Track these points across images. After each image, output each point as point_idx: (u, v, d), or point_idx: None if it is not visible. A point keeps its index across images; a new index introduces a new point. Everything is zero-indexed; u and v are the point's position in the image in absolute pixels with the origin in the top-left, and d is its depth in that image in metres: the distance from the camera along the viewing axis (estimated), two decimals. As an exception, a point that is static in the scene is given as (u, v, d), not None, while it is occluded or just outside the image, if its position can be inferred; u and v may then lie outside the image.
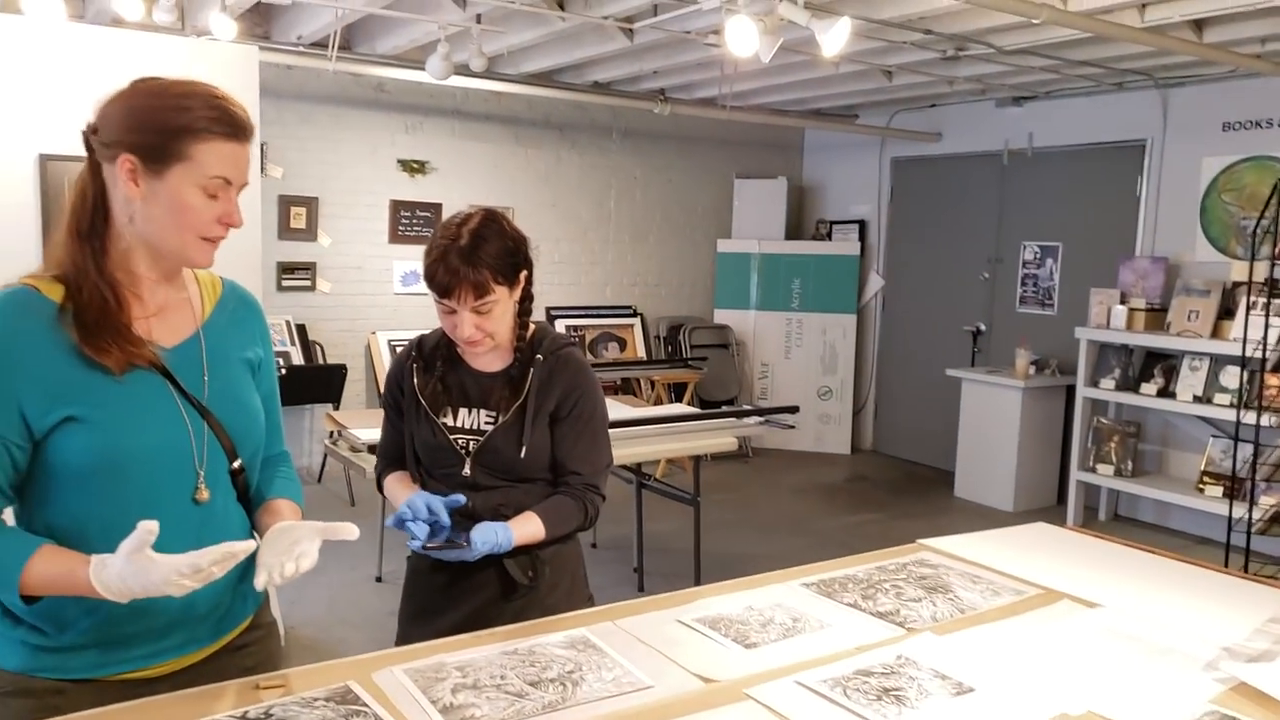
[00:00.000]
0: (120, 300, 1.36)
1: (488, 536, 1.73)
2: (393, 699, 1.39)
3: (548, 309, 6.98)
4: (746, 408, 5.16)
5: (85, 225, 1.36)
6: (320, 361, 6.09)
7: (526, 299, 1.91)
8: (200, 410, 1.42)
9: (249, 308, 1.60)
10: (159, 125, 1.34)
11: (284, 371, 5.64)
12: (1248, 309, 4.23)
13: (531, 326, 1.95)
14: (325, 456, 5.96)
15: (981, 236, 7.09)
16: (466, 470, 1.87)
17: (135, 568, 1.24)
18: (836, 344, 7.73)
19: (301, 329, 6.08)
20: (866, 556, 2.15)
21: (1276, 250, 3.79)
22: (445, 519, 1.74)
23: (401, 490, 1.95)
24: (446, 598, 1.89)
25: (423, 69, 5.36)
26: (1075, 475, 6.00)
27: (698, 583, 4.37)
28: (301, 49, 5.52)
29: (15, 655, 1.38)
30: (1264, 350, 3.78)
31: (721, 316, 7.81)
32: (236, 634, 1.53)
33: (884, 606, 1.84)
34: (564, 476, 1.91)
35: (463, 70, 5.40)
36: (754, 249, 7.75)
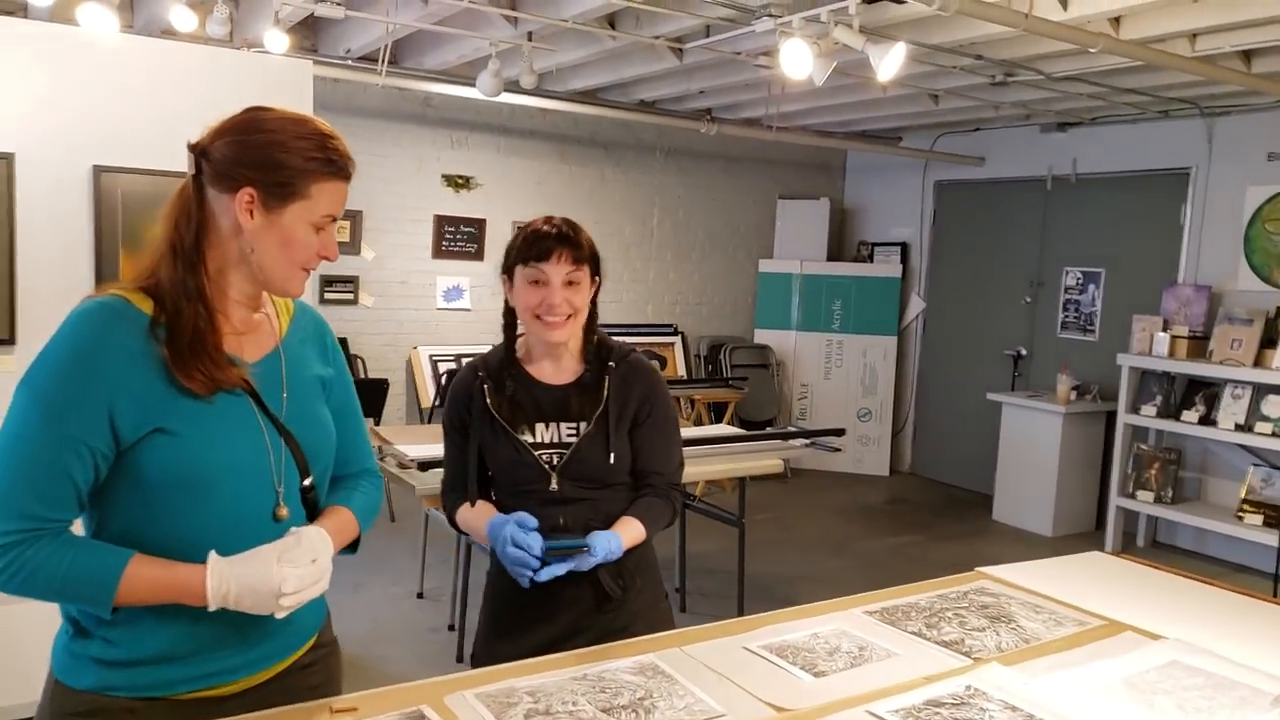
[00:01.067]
0: (212, 320, 1.38)
1: (605, 545, 1.77)
2: (468, 723, 1.42)
3: (587, 325, 7.02)
4: (792, 429, 5.16)
5: (188, 243, 1.37)
6: (362, 375, 6.16)
7: (595, 307, 1.95)
8: (279, 428, 1.44)
9: (320, 326, 1.62)
10: (283, 164, 1.36)
11: (329, 384, 5.71)
12: None
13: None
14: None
15: (1024, 261, 7.05)
16: (554, 485, 1.87)
17: (251, 568, 1.30)
18: (877, 365, 7.71)
19: (343, 343, 6.15)
20: (927, 585, 2.15)
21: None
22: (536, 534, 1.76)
23: (486, 516, 1.88)
24: (539, 613, 1.89)
25: (469, 84, 5.42)
26: (1115, 501, 5.95)
27: (741, 604, 4.37)
28: (350, 63, 5.60)
29: (87, 674, 1.37)
30: None
31: (762, 336, 7.82)
32: (303, 651, 1.54)
33: (948, 635, 1.85)
34: (646, 478, 1.94)
35: (509, 87, 5.46)
36: (795, 269, 7.76)
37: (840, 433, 4.47)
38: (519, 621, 1.91)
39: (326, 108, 5.81)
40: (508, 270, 1.90)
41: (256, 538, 1.37)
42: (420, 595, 4.65)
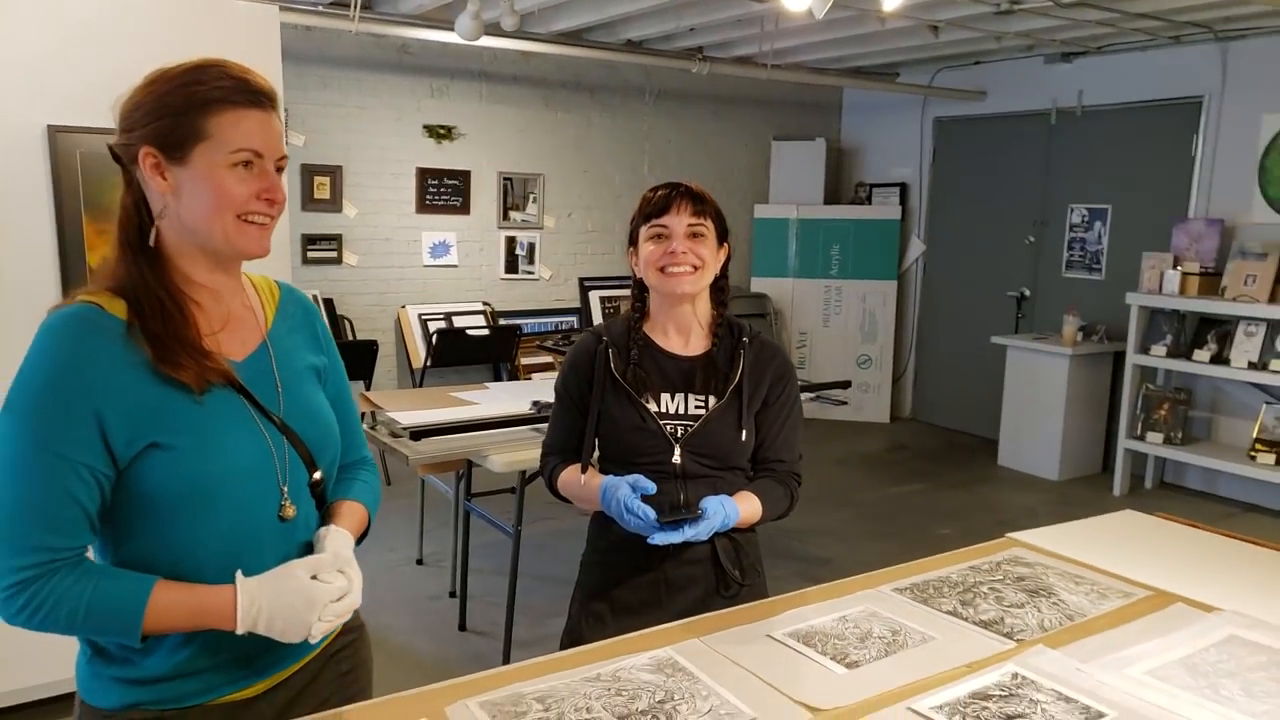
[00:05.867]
0: (184, 310, 1.28)
1: (717, 508, 1.70)
2: (472, 737, 1.28)
3: (580, 279, 6.82)
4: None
5: (133, 235, 1.28)
6: (350, 337, 5.97)
7: (724, 277, 1.91)
8: (278, 425, 1.33)
9: (309, 313, 1.50)
10: (170, 108, 1.24)
11: (316, 347, 5.53)
12: None
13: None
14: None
15: (1027, 199, 6.86)
16: (676, 457, 1.80)
17: (285, 603, 1.23)
18: (876, 311, 7.54)
19: (329, 304, 5.95)
20: (957, 555, 2.01)
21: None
22: (647, 488, 1.70)
23: (594, 480, 1.81)
24: (652, 594, 1.83)
25: (448, 29, 5.16)
26: (1124, 443, 5.83)
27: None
28: (321, 8, 5.31)
29: (113, 693, 1.30)
30: None
31: (759, 285, 7.63)
32: (332, 639, 1.47)
33: (986, 615, 1.71)
34: (766, 465, 1.87)
35: (490, 29, 5.20)
36: (792, 214, 7.55)
37: (846, 385, 4.31)
38: (628, 604, 1.84)
39: (297, 58, 5.55)
40: (633, 240, 1.88)
41: (263, 541, 1.31)
42: (420, 561, 4.52)
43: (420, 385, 5.95)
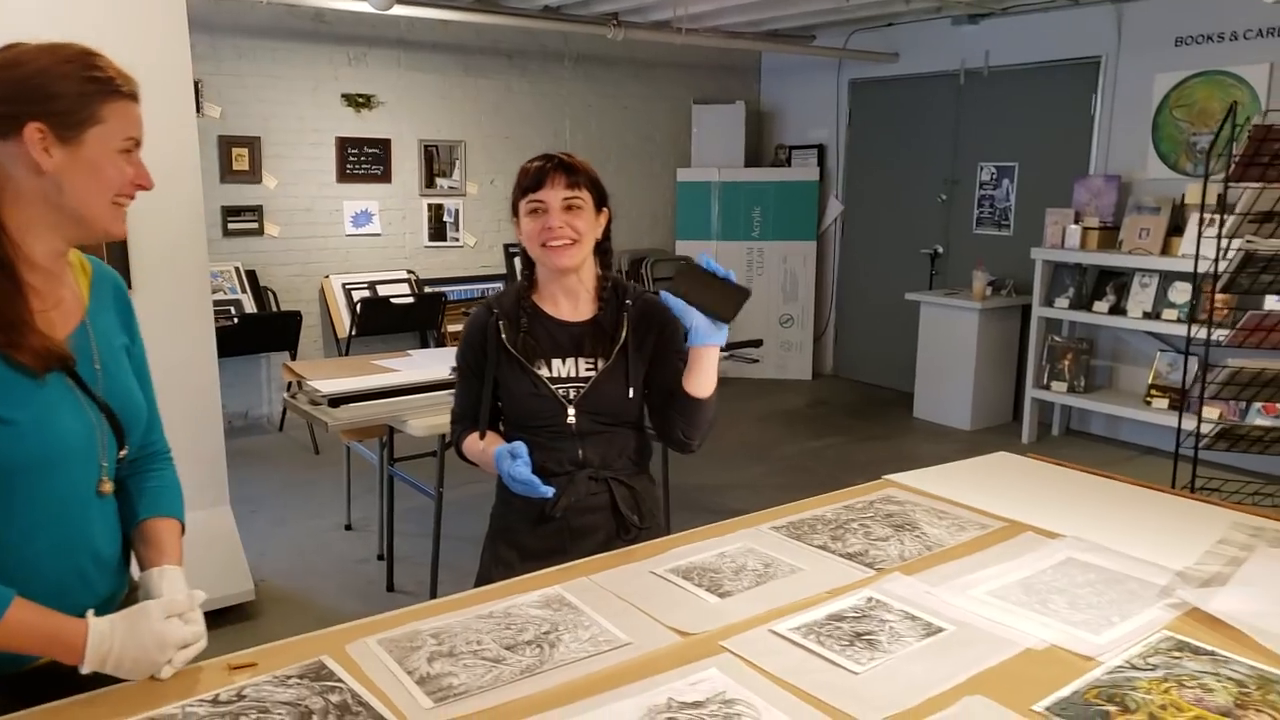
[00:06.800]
0: (23, 290, 1.30)
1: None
2: (368, 672, 1.38)
3: (505, 246, 6.89)
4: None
5: None
6: (273, 309, 5.97)
7: (606, 240, 1.99)
8: (100, 405, 1.38)
9: (118, 290, 1.52)
10: (61, 92, 1.27)
11: (236, 320, 5.53)
12: (1200, 227, 4.29)
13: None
14: (285, 407, 5.90)
15: (938, 158, 7.07)
16: (571, 418, 1.91)
17: (137, 643, 1.28)
18: (797, 271, 7.73)
19: (252, 275, 5.94)
20: (835, 495, 2.17)
21: (1228, 169, 3.82)
22: (526, 458, 1.80)
23: (491, 446, 1.91)
24: (557, 542, 1.94)
25: (362, -1, 5.17)
26: (1030, 393, 6.12)
27: (667, 515, 4.40)
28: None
29: None
30: (1215, 268, 3.83)
31: (683, 247, 7.75)
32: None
33: (853, 547, 1.86)
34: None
35: (406, -1, 5.22)
36: (714, 177, 7.68)
37: (758, 344, 4.47)
38: (534, 551, 1.94)
39: (210, 28, 5.51)
40: (515, 212, 1.94)
41: (83, 514, 1.37)
42: (348, 527, 4.60)
43: (346, 354, 5.99)
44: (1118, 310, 5.72)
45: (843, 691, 1.34)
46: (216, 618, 3.21)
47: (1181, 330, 4.98)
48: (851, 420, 6.75)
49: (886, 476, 2.31)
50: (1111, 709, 1.29)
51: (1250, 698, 1.32)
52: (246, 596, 3.58)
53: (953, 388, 6.48)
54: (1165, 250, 5.51)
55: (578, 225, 1.89)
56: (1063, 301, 5.93)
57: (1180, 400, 5.14)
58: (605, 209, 1.97)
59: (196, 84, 5.46)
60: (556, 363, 1.95)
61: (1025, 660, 1.43)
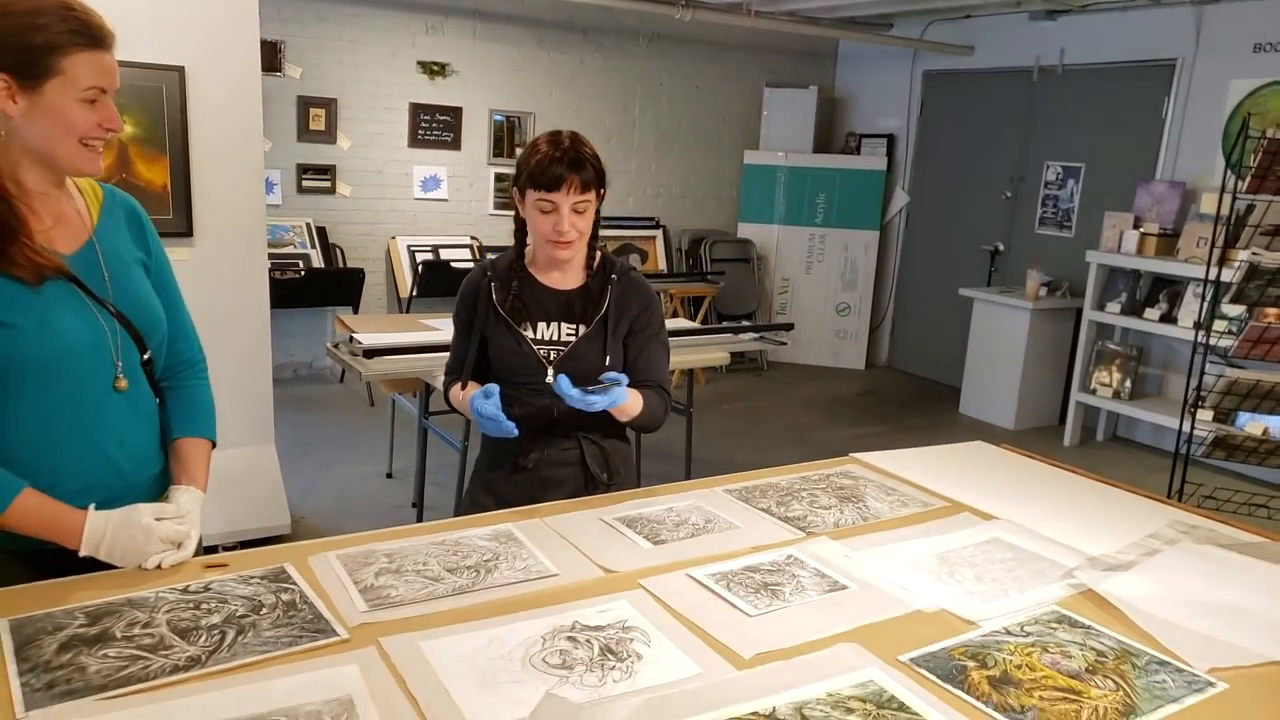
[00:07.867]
0: (17, 212, 1.45)
1: (618, 384, 1.96)
2: (321, 580, 1.58)
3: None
4: (744, 324, 5.27)
5: None
6: (340, 265, 6.28)
7: (599, 216, 2.11)
8: (112, 311, 1.56)
9: (133, 211, 1.69)
10: (22, 45, 1.39)
11: (303, 274, 5.84)
12: (1211, 239, 4.30)
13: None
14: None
15: (1006, 155, 7.01)
16: (549, 377, 2.06)
17: (127, 534, 1.49)
18: (858, 260, 7.75)
19: (322, 232, 6.25)
20: (797, 467, 2.30)
21: (1247, 182, 3.80)
22: (498, 399, 1.93)
23: (469, 394, 2.07)
24: (527, 491, 2.11)
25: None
26: (1075, 396, 6.07)
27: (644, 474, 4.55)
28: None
29: None
30: (1217, 275, 3.85)
31: (745, 230, 7.84)
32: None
33: (794, 512, 2.00)
34: (641, 382, 2.12)
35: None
36: (781, 161, 7.74)
37: (789, 328, 4.57)
38: (507, 499, 2.11)
39: (295, -7, 5.78)
40: (519, 187, 2.05)
41: (100, 408, 1.55)
42: (390, 475, 4.87)
43: (406, 313, 6.26)
44: (1169, 319, 5.64)
45: (731, 629, 1.48)
46: (251, 546, 3.52)
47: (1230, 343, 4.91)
48: (898, 411, 6.79)
49: (853, 454, 2.42)
50: (970, 664, 1.42)
51: (1105, 666, 1.43)
52: (283, 530, 3.86)
53: (999, 386, 6.47)
54: (1223, 261, 5.40)
55: (581, 225, 2.03)
56: (1114, 306, 5.87)
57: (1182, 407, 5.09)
58: (603, 189, 2.08)
59: (278, 45, 5.79)
60: (541, 325, 2.11)
61: (911, 620, 1.55)
